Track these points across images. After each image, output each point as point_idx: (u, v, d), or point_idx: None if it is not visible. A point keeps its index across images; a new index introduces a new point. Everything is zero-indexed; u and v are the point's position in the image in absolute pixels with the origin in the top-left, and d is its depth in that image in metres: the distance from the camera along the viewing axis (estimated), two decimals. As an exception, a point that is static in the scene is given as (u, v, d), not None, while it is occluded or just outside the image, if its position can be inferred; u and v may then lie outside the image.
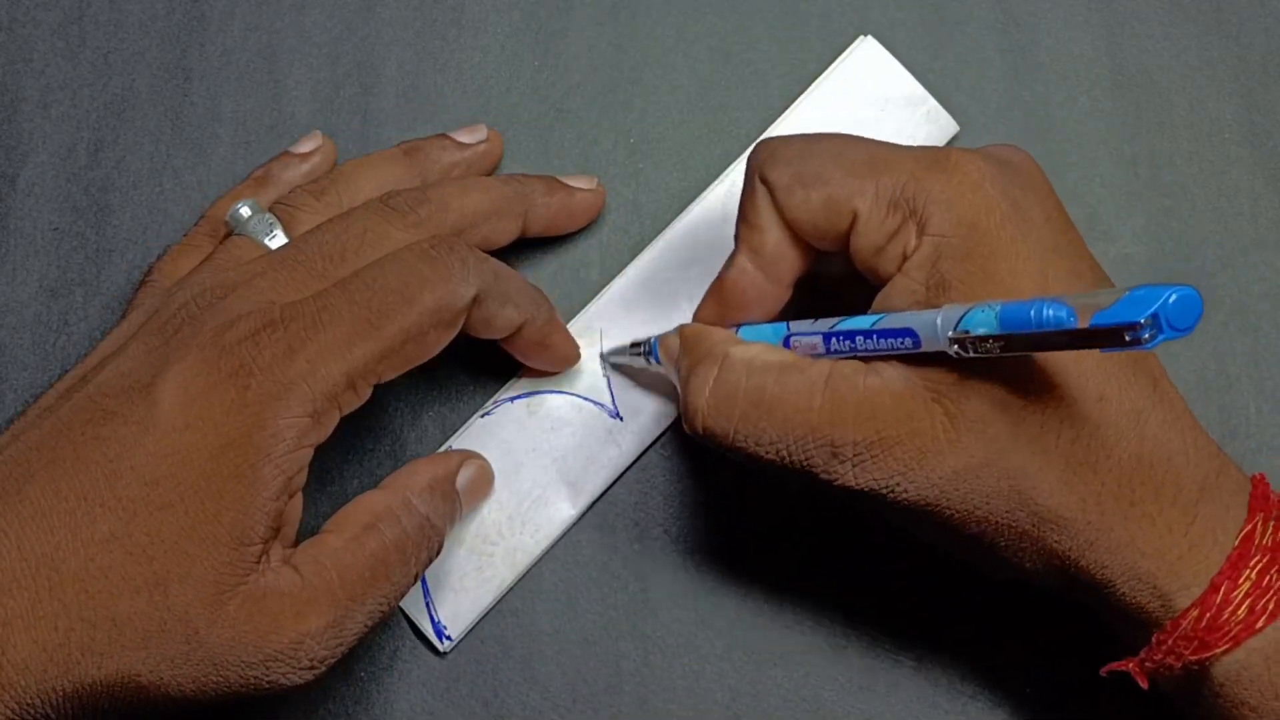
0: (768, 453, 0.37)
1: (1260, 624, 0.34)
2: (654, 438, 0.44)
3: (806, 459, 0.36)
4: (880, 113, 0.46)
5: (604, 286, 0.46)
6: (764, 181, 0.38)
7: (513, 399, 0.44)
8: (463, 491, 0.41)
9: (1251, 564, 0.34)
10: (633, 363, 0.44)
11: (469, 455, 0.42)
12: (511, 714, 0.43)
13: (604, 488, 0.44)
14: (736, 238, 0.39)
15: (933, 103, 0.47)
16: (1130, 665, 0.36)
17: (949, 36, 0.48)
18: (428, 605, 0.43)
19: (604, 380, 0.45)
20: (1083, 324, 0.30)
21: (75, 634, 0.34)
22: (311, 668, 0.35)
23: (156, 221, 0.46)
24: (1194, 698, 0.36)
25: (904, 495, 0.35)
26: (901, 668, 0.43)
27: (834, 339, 0.37)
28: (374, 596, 0.36)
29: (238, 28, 0.48)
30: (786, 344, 0.38)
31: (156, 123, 0.47)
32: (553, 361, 0.44)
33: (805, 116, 0.47)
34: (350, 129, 0.47)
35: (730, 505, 0.44)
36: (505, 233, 0.43)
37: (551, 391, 0.45)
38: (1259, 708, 0.34)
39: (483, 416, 0.44)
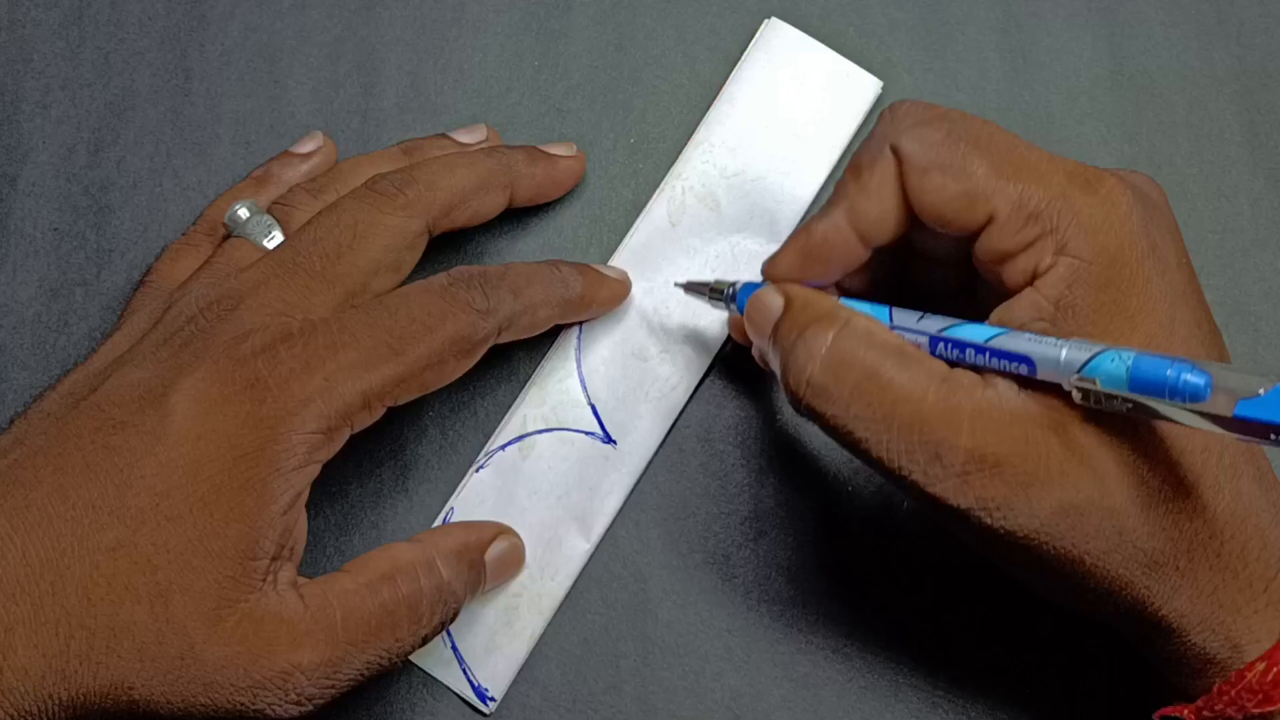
0: (866, 434, 0.34)
1: None
2: (651, 454, 0.44)
3: (907, 454, 0.34)
4: (802, 86, 0.47)
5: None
6: (896, 151, 0.36)
7: (503, 447, 0.44)
8: (491, 565, 0.41)
9: None
10: (710, 303, 0.42)
11: (504, 530, 0.42)
12: (512, 714, 0.43)
13: (613, 515, 0.44)
14: (838, 191, 0.38)
15: (850, 66, 0.47)
16: (1185, 712, 0.35)
17: (949, 36, 0.48)
18: (465, 672, 0.42)
19: (589, 409, 0.44)
20: (1219, 405, 0.29)
21: (75, 641, 0.34)
22: (299, 703, 0.35)
23: (156, 221, 0.46)
24: None
25: (1002, 522, 0.33)
26: (901, 668, 0.43)
27: (941, 344, 0.35)
28: (375, 646, 0.36)
29: (238, 28, 0.48)
30: None
31: (156, 123, 0.47)
32: (606, 309, 0.44)
33: (732, 107, 0.47)
34: (350, 129, 0.47)
35: (730, 505, 0.44)
36: (493, 205, 0.44)
37: (540, 431, 0.44)
38: None
39: (477, 471, 0.44)
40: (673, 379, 0.45)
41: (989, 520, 0.34)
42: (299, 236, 0.40)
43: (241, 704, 0.34)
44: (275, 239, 0.41)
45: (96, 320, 0.45)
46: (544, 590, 0.43)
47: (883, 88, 0.47)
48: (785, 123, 0.46)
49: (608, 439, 0.44)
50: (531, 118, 0.48)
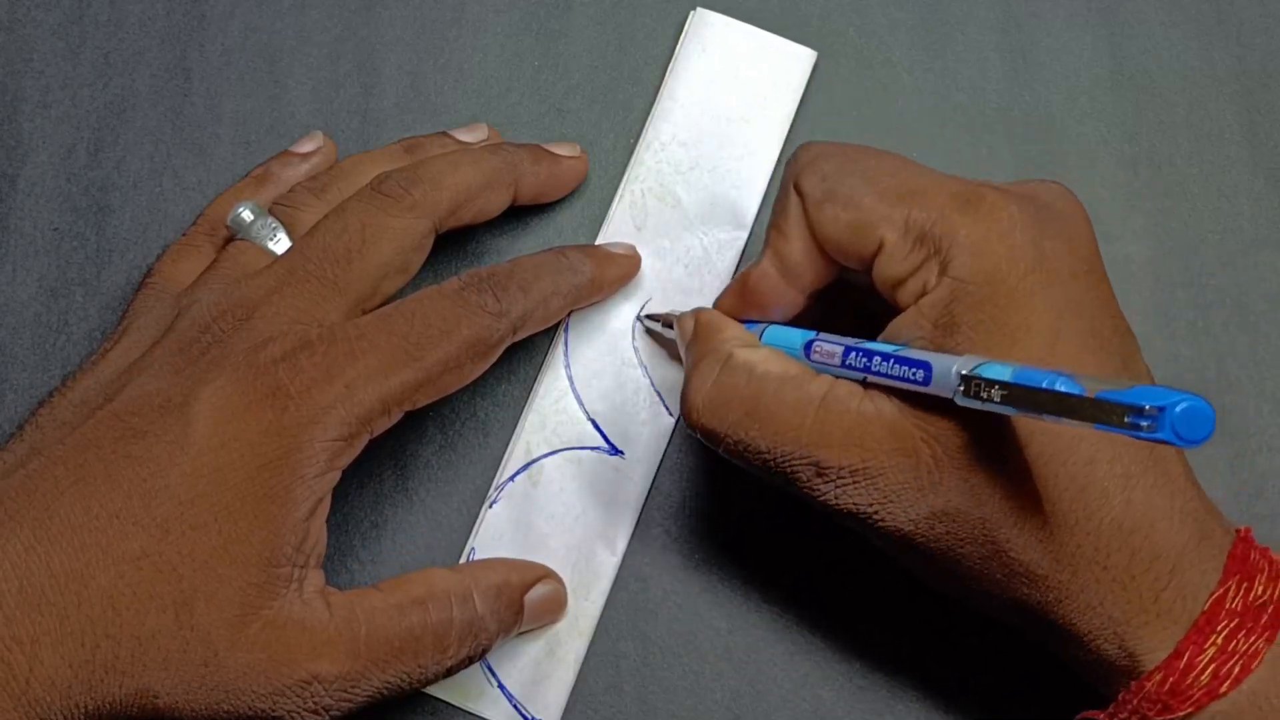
0: (755, 459, 0.37)
1: (1224, 689, 0.33)
2: (659, 459, 0.44)
3: (791, 472, 0.36)
4: (738, 69, 0.47)
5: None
6: (798, 190, 0.38)
7: (512, 478, 0.44)
8: (530, 607, 0.41)
9: (1219, 629, 0.34)
10: (664, 332, 0.44)
11: (548, 574, 0.42)
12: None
13: (633, 524, 0.44)
14: (766, 238, 0.39)
15: (782, 41, 0.47)
16: (1100, 718, 0.35)
17: (949, 36, 0.48)
18: (516, 708, 0.42)
19: (590, 424, 0.44)
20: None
21: (100, 651, 0.34)
22: (317, 712, 0.35)
23: (156, 221, 0.46)
24: None
25: (881, 523, 0.35)
26: (901, 668, 0.43)
27: (852, 353, 0.36)
28: (395, 668, 0.36)
29: (238, 28, 0.48)
30: (809, 346, 0.38)
31: (156, 123, 0.47)
32: (617, 288, 0.45)
33: (675, 102, 0.47)
34: (350, 129, 0.47)
35: (730, 506, 0.44)
36: (498, 203, 0.44)
37: (546, 455, 0.44)
38: None
39: (490, 507, 0.44)
40: (667, 380, 0.45)
41: (871, 522, 0.35)
42: (307, 243, 0.39)
43: (262, 710, 0.34)
44: (280, 241, 0.41)
45: (96, 320, 0.45)
46: (581, 611, 0.43)
47: (818, 57, 0.47)
48: (729, 108, 0.47)
49: (614, 451, 0.44)
50: (531, 118, 0.48)
